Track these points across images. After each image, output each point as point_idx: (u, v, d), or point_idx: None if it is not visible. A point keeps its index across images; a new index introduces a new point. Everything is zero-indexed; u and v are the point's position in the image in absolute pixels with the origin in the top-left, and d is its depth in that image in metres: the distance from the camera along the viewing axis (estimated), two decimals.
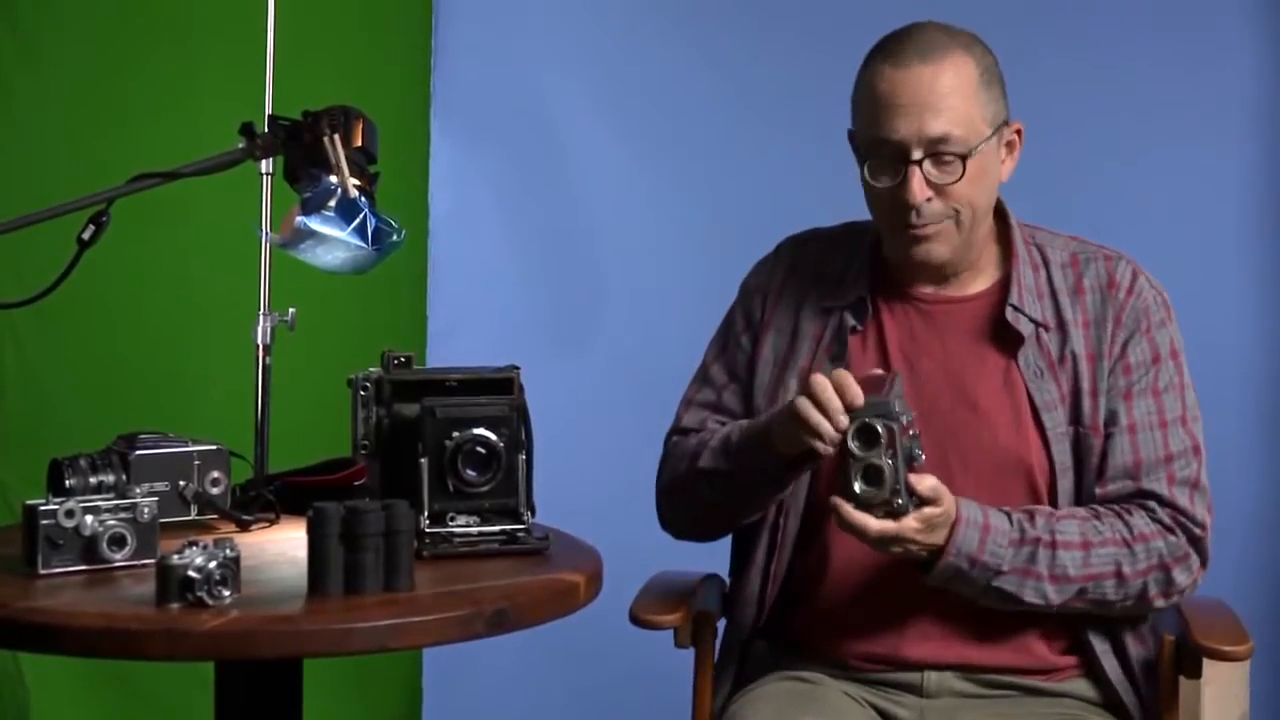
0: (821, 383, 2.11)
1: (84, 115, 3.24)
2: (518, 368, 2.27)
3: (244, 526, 2.28)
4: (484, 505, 2.15)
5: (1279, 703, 3.40)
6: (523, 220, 3.75)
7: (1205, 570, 2.25)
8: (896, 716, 2.26)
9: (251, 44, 2.53)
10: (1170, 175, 3.56)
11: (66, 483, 2.20)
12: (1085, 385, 2.26)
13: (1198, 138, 3.56)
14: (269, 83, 2.45)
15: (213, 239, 3.20)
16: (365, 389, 2.30)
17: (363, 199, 2.29)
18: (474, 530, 2.15)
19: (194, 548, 1.89)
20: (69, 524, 2.02)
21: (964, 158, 2.21)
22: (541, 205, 3.74)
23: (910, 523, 2.11)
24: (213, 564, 1.88)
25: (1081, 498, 2.25)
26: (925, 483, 2.12)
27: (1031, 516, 2.20)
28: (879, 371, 2.21)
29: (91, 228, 2.19)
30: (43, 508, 2.02)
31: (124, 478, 2.22)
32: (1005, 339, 2.29)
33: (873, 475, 2.10)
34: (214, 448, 2.29)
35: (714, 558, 2.47)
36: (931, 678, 2.27)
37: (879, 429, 2.09)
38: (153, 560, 1.95)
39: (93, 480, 2.21)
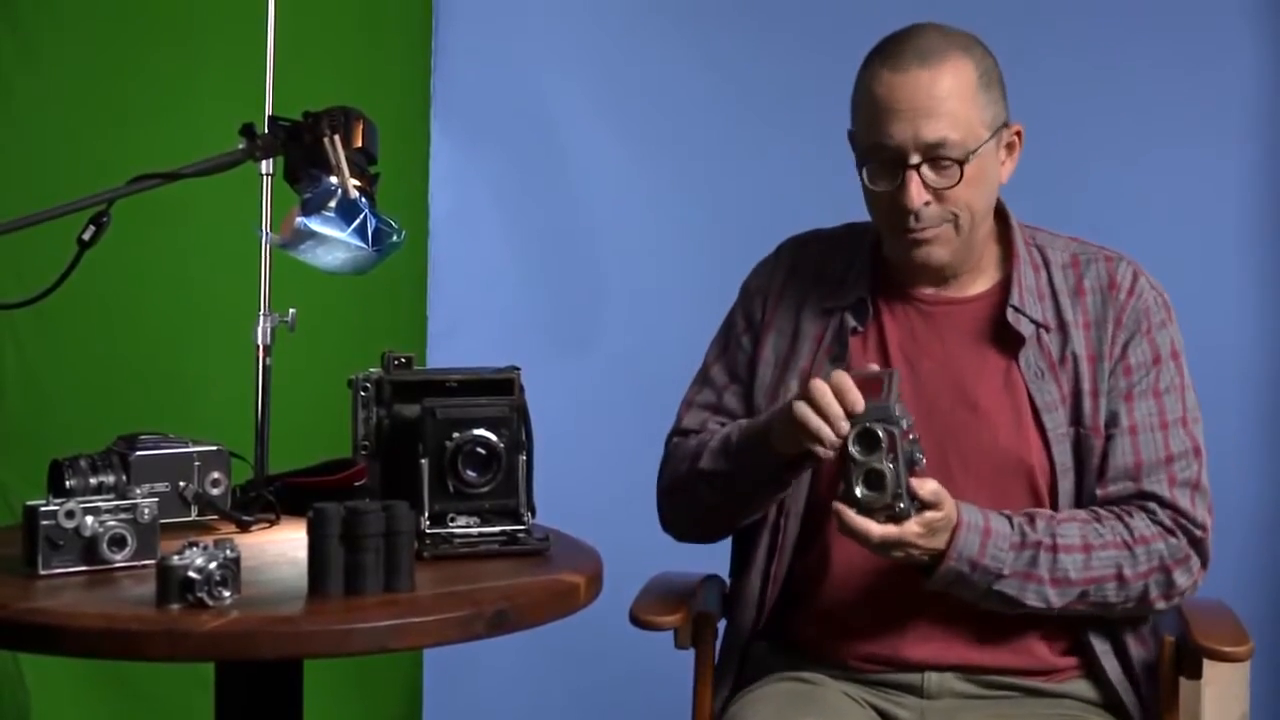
0: (821, 388, 2.11)
1: (84, 115, 3.23)
2: (518, 368, 2.27)
3: (244, 527, 2.28)
4: (484, 506, 2.15)
5: (1279, 703, 3.39)
6: (523, 221, 3.75)
7: (1206, 571, 2.25)
8: (897, 717, 2.26)
9: (251, 44, 2.53)
10: (1170, 175, 3.55)
11: (67, 483, 2.20)
12: (1086, 386, 2.26)
13: (1198, 138, 3.55)
14: (269, 83, 2.44)
15: (213, 239, 3.20)
16: (365, 390, 2.29)
17: (363, 200, 2.29)
18: (474, 531, 2.15)
19: (194, 548, 1.89)
20: (69, 525, 2.02)
21: (962, 162, 2.20)
22: (541, 206, 3.74)
23: (912, 527, 2.11)
24: (213, 565, 1.88)
25: (1082, 499, 2.25)
26: (927, 487, 2.12)
27: (1032, 520, 2.20)
28: (875, 368, 2.20)
29: (92, 228, 2.18)
30: (43, 508, 2.02)
31: (124, 478, 2.22)
32: (1006, 340, 2.29)
33: (874, 480, 2.10)
34: (214, 448, 2.29)
35: (714, 559, 2.47)
36: (932, 679, 2.26)
37: (880, 434, 2.09)
38: (153, 561, 1.95)
39: (93, 481, 2.21)
